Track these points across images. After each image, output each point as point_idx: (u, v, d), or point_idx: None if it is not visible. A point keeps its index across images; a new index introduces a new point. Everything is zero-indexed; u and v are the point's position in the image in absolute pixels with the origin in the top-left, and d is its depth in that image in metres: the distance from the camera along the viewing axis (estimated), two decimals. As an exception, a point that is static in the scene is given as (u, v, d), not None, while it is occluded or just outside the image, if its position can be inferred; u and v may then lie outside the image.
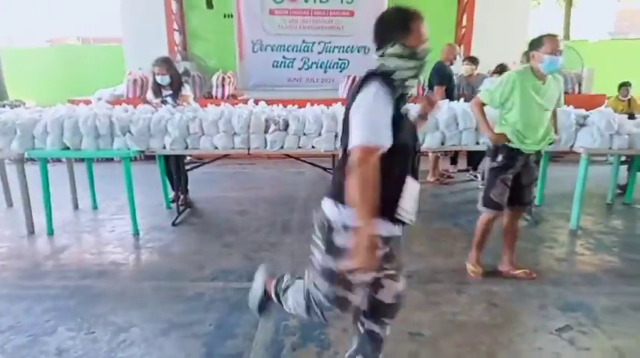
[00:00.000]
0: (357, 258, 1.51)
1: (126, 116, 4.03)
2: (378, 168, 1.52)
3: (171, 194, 4.81)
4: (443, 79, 5.64)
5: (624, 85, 6.08)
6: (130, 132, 3.96)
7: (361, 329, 1.93)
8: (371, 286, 1.80)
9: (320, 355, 2.35)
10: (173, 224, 4.30)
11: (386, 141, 1.55)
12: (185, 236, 4.10)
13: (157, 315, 2.74)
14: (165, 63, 4.53)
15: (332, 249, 1.68)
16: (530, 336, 2.53)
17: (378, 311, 1.87)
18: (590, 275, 3.29)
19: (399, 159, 1.65)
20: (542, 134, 2.98)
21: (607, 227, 4.27)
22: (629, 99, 6.03)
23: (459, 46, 8.21)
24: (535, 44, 2.86)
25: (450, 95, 5.52)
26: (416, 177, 1.73)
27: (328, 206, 1.72)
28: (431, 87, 5.77)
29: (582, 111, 4.15)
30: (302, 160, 4.66)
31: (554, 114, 3.18)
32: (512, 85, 2.88)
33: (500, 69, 5.43)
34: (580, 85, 7.59)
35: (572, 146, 4.06)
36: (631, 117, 4.48)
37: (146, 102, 4.62)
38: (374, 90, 1.57)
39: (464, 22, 8.38)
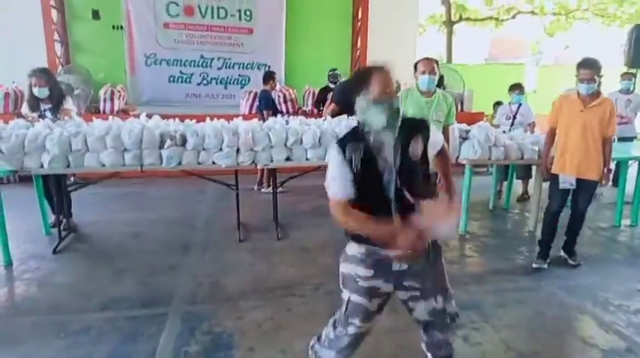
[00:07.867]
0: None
1: (-6, 132, 3.57)
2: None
3: (52, 218, 4.31)
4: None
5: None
6: (-1, 150, 3.50)
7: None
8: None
9: (224, 379, 2.22)
10: (54, 251, 3.85)
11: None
12: (69, 264, 3.69)
13: (35, 354, 2.41)
14: (45, 74, 4.14)
15: None
16: (429, 337, 2.64)
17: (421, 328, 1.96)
18: (478, 275, 3.57)
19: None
20: None
21: (491, 231, 4.69)
22: (503, 117, 6.76)
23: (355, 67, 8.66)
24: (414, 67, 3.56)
25: None
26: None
27: None
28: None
29: (465, 126, 4.54)
30: (205, 177, 4.45)
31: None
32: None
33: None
34: (462, 103, 8.36)
35: (457, 158, 4.41)
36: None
37: (20, 116, 4.12)
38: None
39: (359, 44, 8.83)
